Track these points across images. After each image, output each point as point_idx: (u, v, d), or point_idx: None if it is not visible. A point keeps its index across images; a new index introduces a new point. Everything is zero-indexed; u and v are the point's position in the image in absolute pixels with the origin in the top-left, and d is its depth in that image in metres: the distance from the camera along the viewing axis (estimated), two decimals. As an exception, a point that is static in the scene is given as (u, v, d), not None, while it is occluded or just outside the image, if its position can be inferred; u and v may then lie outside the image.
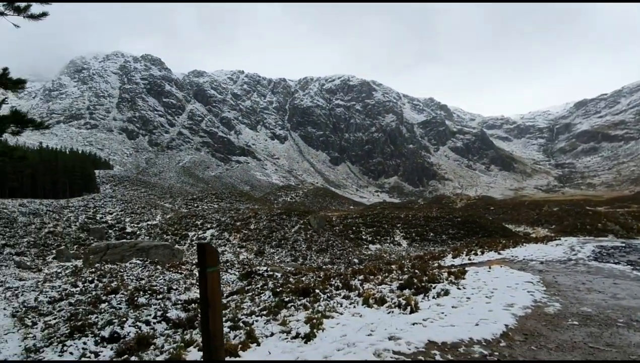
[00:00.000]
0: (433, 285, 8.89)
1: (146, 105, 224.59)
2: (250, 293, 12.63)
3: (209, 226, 47.33)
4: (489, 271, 10.62)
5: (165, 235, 43.98)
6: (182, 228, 47.01)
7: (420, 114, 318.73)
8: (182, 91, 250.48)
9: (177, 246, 34.20)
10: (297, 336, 6.13)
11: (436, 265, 14.02)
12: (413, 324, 5.95)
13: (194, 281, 16.24)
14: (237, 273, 18.68)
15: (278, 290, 11.86)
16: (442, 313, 6.53)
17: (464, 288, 8.54)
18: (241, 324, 7.56)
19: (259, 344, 6.07)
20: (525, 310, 6.63)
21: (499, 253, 15.55)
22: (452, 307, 6.93)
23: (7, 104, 9.41)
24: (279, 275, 17.26)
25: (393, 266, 14.03)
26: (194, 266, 20.29)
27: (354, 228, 52.71)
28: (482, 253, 16.47)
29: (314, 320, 6.66)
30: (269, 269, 19.03)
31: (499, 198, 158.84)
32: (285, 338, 6.18)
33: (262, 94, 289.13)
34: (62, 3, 5.44)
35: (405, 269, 12.50)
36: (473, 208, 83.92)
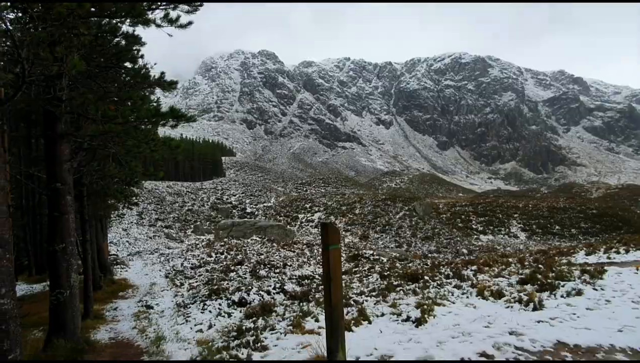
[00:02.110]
0: (561, 283, 7.99)
1: (262, 97, 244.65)
2: (358, 275, 13.10)
3: (316, 209, 49.89)
4: (636, 273, 9.04)
5: (278, 216, 47.94)
6: (293, 210, 50.55)
7: (546, 90, 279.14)
8: (292, 82, 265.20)
9: (289, 226, 37.04)
10: (407, 319, 6.23)
11: (565, 261, 12.44)
12: (538, 322, 5.51)
13: (305, 259, 17.49)
14: (344, 255, 19.45)
15: (385, 274, 12.04)
16: (574, 314, 5.87)
17: (601, 289, 7.48)
18: (352, 302, 7.96)
19: (370, 322, 6.35)
20: (689, 322, 5.51)
21: (652, 254, 13.00)
22: (587, 308, 6.17)
23: (161, 103, 11.40)
24: (384, 259, 17.44)
25: (511, 259, 12.91)
26: (305, 246, 21.78)
27: (462, 216, 49.61)
28: (627, 251, 13.96)
29: (425, 306, 6.65)
30: (374, 253, 19.34)
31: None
32: (396, 320, 6.33)
33: (367, 79, 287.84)
34: (200, 11, 6.30)
35: (526, 263, 11.42)
36: (614, 199, 70.94)
